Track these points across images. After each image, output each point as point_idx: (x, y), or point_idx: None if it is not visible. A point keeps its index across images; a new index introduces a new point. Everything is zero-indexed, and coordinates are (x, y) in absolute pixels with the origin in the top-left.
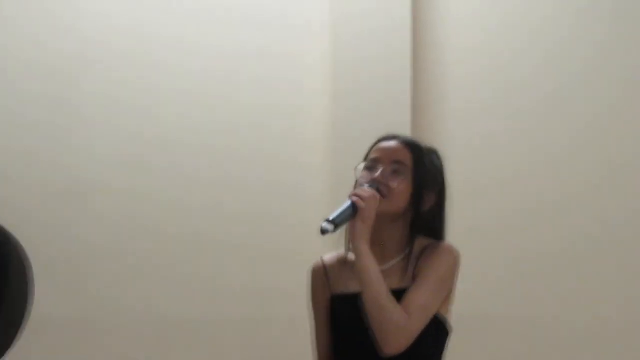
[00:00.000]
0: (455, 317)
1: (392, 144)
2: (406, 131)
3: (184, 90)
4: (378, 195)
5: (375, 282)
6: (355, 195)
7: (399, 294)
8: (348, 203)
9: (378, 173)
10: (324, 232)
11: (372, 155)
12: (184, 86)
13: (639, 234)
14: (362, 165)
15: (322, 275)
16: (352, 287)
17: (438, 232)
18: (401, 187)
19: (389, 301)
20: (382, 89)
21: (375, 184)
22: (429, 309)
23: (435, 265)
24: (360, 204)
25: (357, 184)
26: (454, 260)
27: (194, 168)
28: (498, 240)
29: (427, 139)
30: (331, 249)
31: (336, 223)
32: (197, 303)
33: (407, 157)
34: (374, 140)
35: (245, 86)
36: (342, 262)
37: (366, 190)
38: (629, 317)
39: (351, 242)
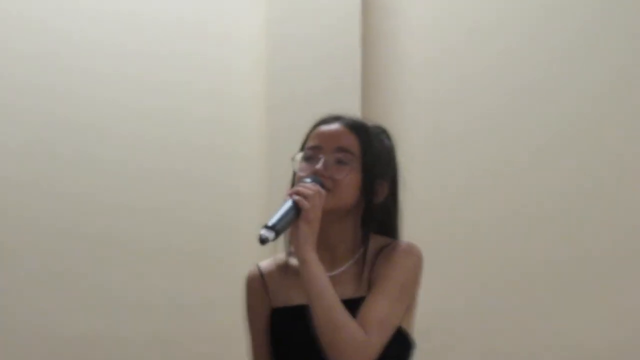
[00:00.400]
0: (419, 329)
1: (334, 127)
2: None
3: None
4: (323, 191)
5: (325, 293)
6: (297, 193)
7: (353, 305)
8: (288, 203)
9: (320, 164)
10: (263, 241)
11: (311, 143)
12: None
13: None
14: (299, 155)
15: (259, 286)
16: (296, 299)
17: (393, 227)
18: (348, 179)
19: (342, 315)
20: (326, 69)
21: (317, 177)
22: (390, 322)
23: (395, 270)
24: (304, 203)
25: (297, 178)
26: (416, 262)
27: (103, 160)
28: (461, 248)
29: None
30: (267, 254)
31: (277, 229)
32: (104, 317)
33: (353, 143)
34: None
35: (171, 67)
36: (283, 269)
37: (309, 186)
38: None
39: (294, 247)
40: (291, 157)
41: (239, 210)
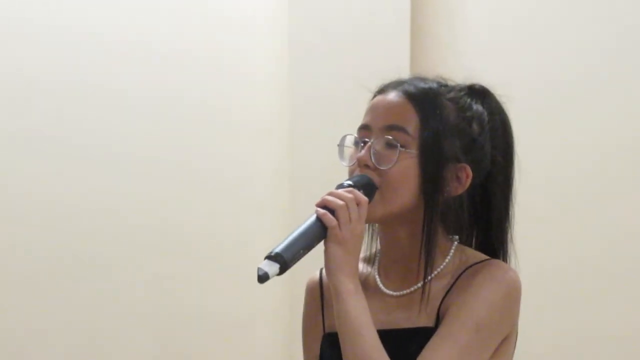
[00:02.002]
0: None
1: (387, 98)
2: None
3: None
4: (364, 199)
5: (362, 337)
6: (323, 204)
7: (415, 336)
8: (311, 219)
9: (362, 151)
10: (261, 278)
11: (362, 121)
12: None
13: None
14: (350, 139)
15: (317, 297)
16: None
17: (485, 233)
18: (399, 168)
19: None
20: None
21: (365, 176)
22: None
23: (471, 303)
24: (329, 220)
25: (349, 171)
26: (507, 292)
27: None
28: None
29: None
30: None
31: (286, 260)
32: (113, 321)
33: (409, 117)
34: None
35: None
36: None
37: (340, 194)
38: None
39: (326, 274)
40: (337, 144)
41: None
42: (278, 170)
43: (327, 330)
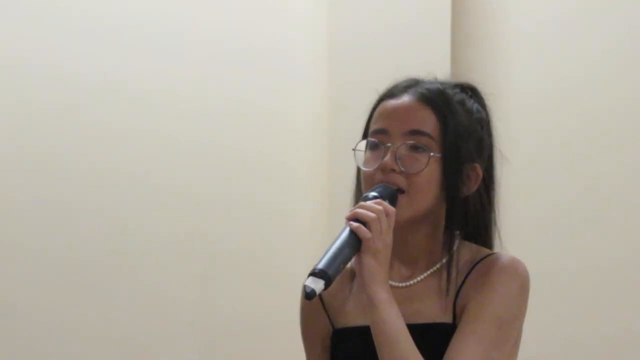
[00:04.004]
0: None
1: (402, 102)
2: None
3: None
4: (392, 209)
5: (399, 345)
6: (355, 217)
7: (432, 332)
8: (345, 232)
9: (387, 156)
10: (309, 296)
11: (376, 125)
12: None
13: None
14: (363, 144)
15: (315, 302)
16: (359, 318)
17: (486, 228)
18: (428, 172)
19: None
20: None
21: (387, 186)
22: None
23: (493, 299)
24: (363, 232)
25: (362, 176)
26: (522, 286)
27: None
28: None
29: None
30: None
31: (329, 275)
32: (128, 320)
33: (429, 120)
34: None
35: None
36: (347, 279)
37: (370, 207)
38: None
39: (361, 285)
40: (352, 148)
41: (294, 204)
42: (316, 173)
43: (337, 327)
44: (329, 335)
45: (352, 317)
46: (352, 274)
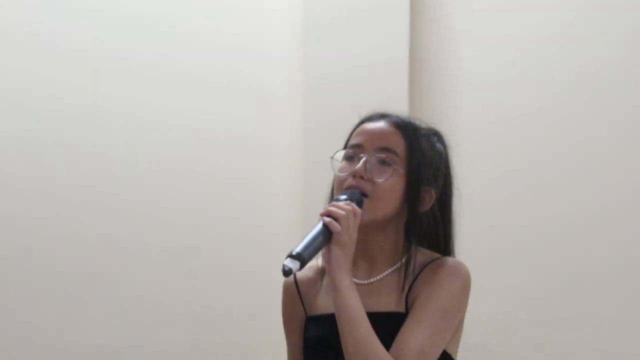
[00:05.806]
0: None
1: (378, 125)
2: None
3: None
4: (359, 210)
5: (359, 325)
6: (328, 214)
7: (387, 319)
8: (319, 226)
9: (359, 164)
10: (287, 273)
11: (354, 141)
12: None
13: None
14: (340, 154)
15: (293, 294)
16: (330, 307)
17: (443, 241)
18: (390, 182)
19: (377, 350)
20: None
21: (355, 191)
22: (430, 354)
23: (437, 293)
24: (335, 226)
25: (336, 180)
26: (462, 284)
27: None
28: (517, 256)
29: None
30: None
31: (303, 257)
32: (126, 327)
33: (398, 143)
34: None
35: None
36: (320, 274)
37: (341, 206)
38: None
39: (327, 272)
40: (330, 156)
41: (273, 213)
42: (292, 194)
43: (309, 314)
44: (304, 323)
45: (322, 307)
46: (324, 271)
